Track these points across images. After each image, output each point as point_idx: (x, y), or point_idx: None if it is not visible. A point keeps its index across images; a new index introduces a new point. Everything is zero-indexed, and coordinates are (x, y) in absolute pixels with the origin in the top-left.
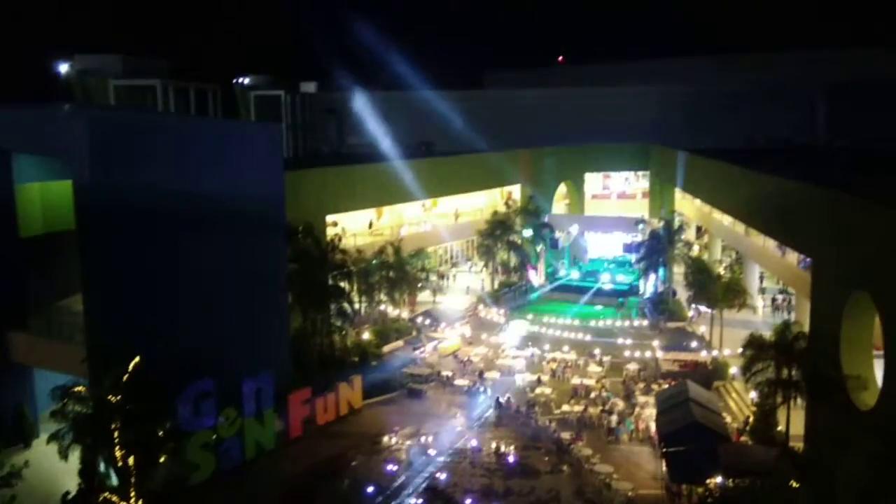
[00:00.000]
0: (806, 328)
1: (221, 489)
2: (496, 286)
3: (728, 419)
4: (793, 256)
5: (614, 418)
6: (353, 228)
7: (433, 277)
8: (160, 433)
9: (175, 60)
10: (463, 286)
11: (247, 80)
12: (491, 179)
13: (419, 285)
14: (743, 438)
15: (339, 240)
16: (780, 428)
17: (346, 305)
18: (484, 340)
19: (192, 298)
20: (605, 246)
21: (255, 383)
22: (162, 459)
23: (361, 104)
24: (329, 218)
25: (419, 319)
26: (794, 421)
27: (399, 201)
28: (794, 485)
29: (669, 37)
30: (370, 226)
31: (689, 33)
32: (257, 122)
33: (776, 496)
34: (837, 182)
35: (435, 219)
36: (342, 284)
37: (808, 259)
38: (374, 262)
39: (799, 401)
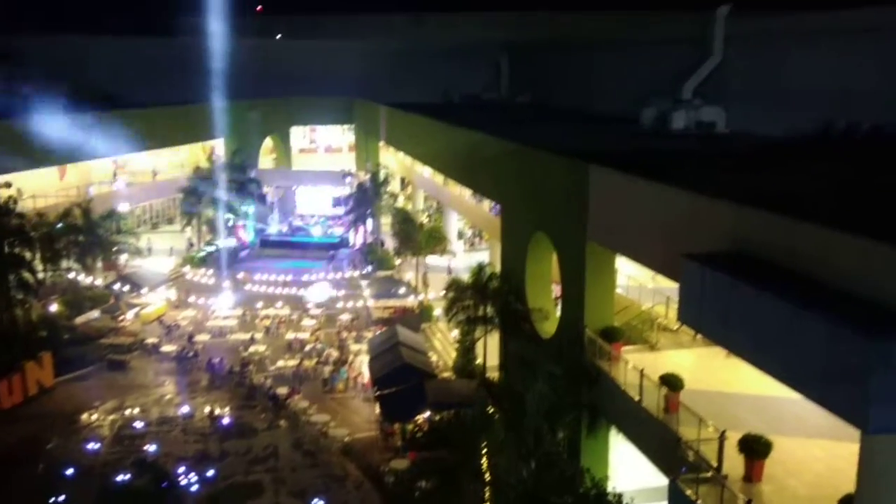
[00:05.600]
0: (498, 269)
1: None
2: (202, 246)
3: (434, 358)
4: (486, 204)
5: (328, 369)
6: (31, 189)
7: (131, 240)
8: None
9: None
10: (166, 247)
11: None
12: (191, 133)
13: (115, 249)
14: (447, 374)
15: (14, 203)
16: (478, 361)
17: (27, 275)
18: (193, 303)
19: None
20: (315, 200)
21: None
22: None
23: (38, 50)
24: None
25: (116, 286)
26: (490, 354)
27: (83, 158)
28: (491, 410)
29: None
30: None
31: None
32: None
33: (475, 423)
34: (519, 134)
35: (129, 177)
36: (22, 252)
37: (498, 206)
38: (58, 225)
39: (495, 335)
